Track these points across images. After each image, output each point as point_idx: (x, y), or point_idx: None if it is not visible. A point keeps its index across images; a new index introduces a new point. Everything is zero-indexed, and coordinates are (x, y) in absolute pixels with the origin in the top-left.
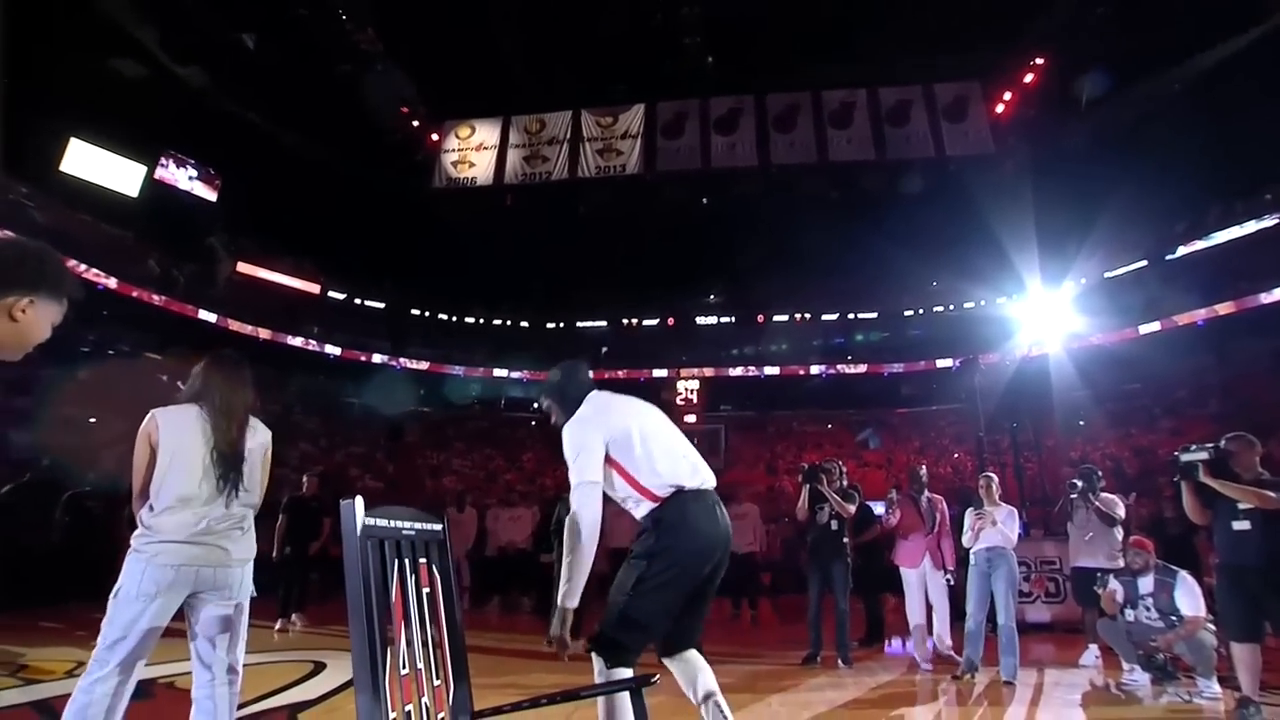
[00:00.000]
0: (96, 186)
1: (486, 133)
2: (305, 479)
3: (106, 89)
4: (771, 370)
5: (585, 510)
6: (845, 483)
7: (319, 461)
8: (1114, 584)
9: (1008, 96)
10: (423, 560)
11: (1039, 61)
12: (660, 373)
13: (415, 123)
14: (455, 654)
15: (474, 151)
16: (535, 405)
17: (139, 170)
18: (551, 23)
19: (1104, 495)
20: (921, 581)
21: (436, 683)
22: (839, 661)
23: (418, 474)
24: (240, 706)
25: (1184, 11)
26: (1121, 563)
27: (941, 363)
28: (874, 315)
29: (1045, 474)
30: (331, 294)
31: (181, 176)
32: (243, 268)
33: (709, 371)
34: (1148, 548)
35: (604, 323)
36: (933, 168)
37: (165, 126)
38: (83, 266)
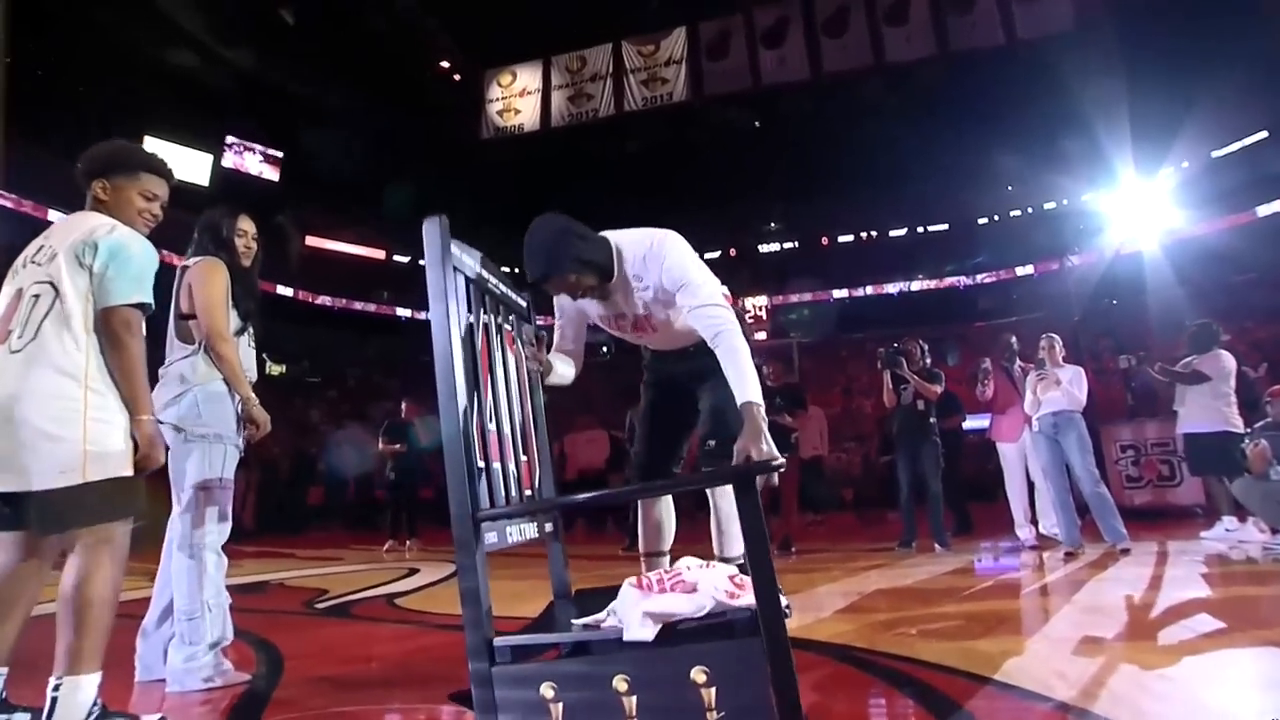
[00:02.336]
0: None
1: (528, 77)
2: (404, 404)
3: (168, 83)
4: (839, 293)
5: (735, 324)
6: (929, 361)
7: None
8: (1263, 441)
9: None
10: (508, 327)
11: None
12: None
13: (457, 76)
14: (540, 438)
15: (518, 98)
16: (604, 349)
17: (206, 160)
18: None
19: (1217, 353)
20: (1021, 457)
21: (524, 458)
22: (935, 546)
23: None
24: (341, 595)
25: None
26: (1237, 424)
27: (1021, 270)
28: (945, 227)
29: (1156, 385)
30: (397, 258)
31: (251, 161)
32: (311, 241)
33: (777, 300)
34: None
35: None
36: (1003, 56)
37: (222, 111)
38: (177, 259)
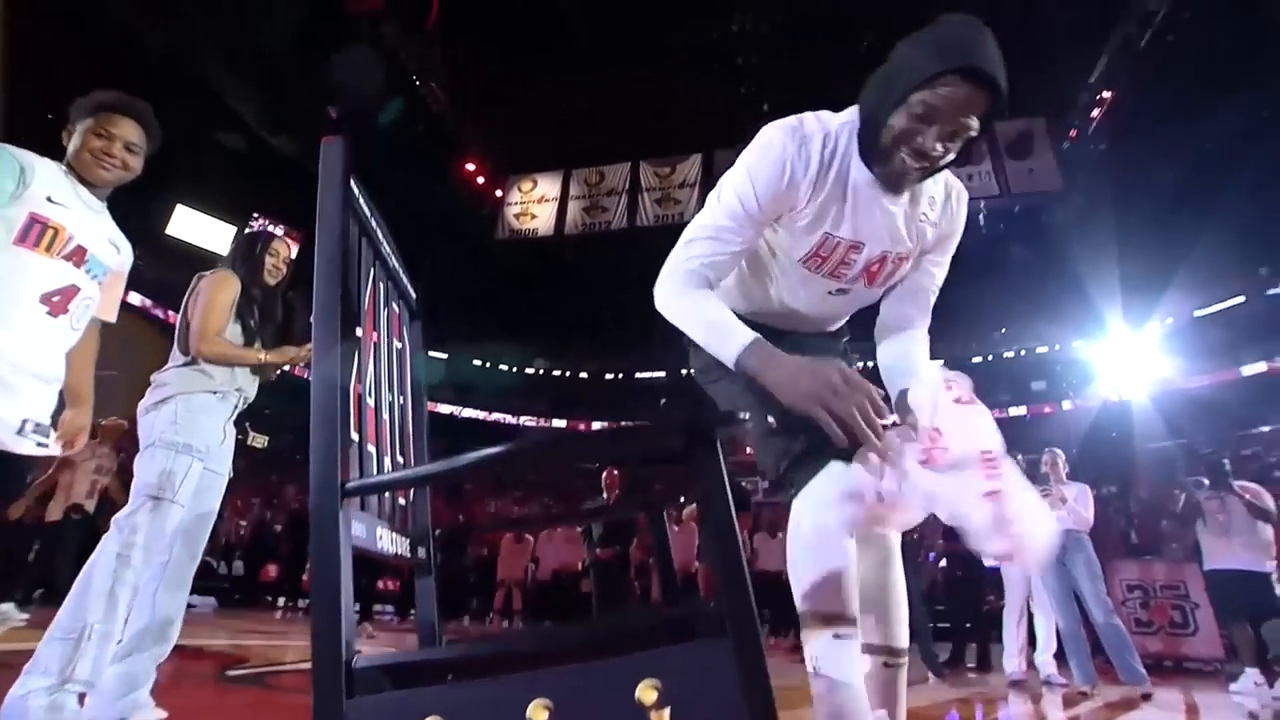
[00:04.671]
0: (195, 247)
1: (547, 185)
2: None
3: (211, 159)
4: None
5: None
6: None
7: None
8: None
9: (1073, 133)
10: (396, 309)
11: (1107, 95)
12: None
13: (480, 179)
14: (420, 452)
15: (536, 204)
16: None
17: (230, 231)
18: (609, 78)
19: (1247, 485)
20: (1024, 578)
21: (399, 460)
22: (928, 675)
23: (475, 517)
24: (263, 666)
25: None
26: (1272, 563)
27: (1015, 411)
28: (940, 362)
29: (1147, 522)
30: (396, 345)
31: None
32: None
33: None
34: None
35: (663, 373)
36: (997, 208)
37: (257, 190)
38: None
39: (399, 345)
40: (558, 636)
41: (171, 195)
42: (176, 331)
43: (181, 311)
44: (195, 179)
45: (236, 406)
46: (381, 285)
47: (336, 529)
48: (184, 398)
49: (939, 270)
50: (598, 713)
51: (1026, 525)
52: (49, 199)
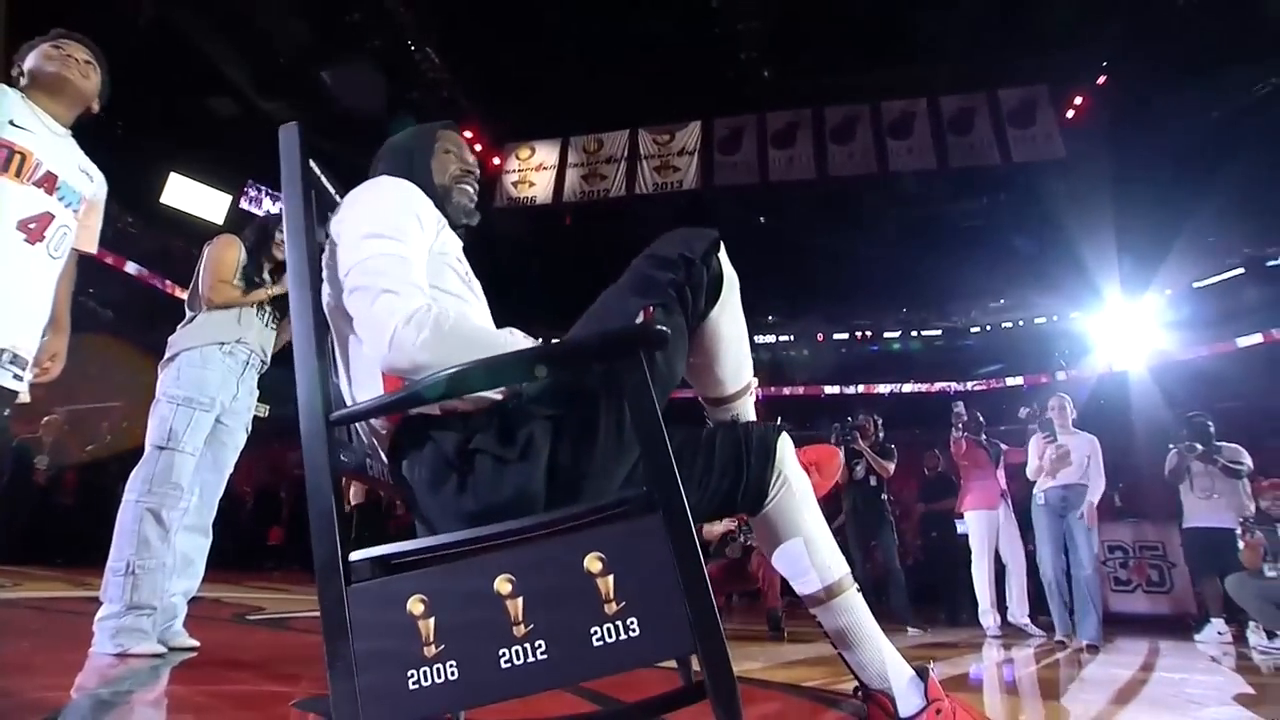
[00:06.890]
0: (190, 215)
1: (546, 153)
2: None
3: (203, 125)
4: (831, 389)
5: None
6: (881, 436)
7: None
8: (1259, 533)
9: (1078, 101)
10: None
11: (1111, 63)
12: None
13: (479, 147)
14: None
15: (534, 171)
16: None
17: (225, 199)
18: (608, 44)
19: (1226, 445)
20: (993, 530)
21: None
22: (907, 629)
23: None
24: (278, 612)
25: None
26: (1237, 519)
27: (1011, 381)
28: (938, 332)
29: (1132, 487)
30: None
31: (267, 205)
32: None
33: (770, 390)
34: None
35: None
36: (999, 176)
37: (249, 157)
38: (178, 289)
39: None
40: (515, 522)
41: (165, 164)
42: (187, 297)
43: (192, 279)
44: (188, 146)
45: (249, 363)
46: None
47: (325, 455)
48: (187, 353)
49: None
50: (552, 581)
51: None
52: (11, 123)
